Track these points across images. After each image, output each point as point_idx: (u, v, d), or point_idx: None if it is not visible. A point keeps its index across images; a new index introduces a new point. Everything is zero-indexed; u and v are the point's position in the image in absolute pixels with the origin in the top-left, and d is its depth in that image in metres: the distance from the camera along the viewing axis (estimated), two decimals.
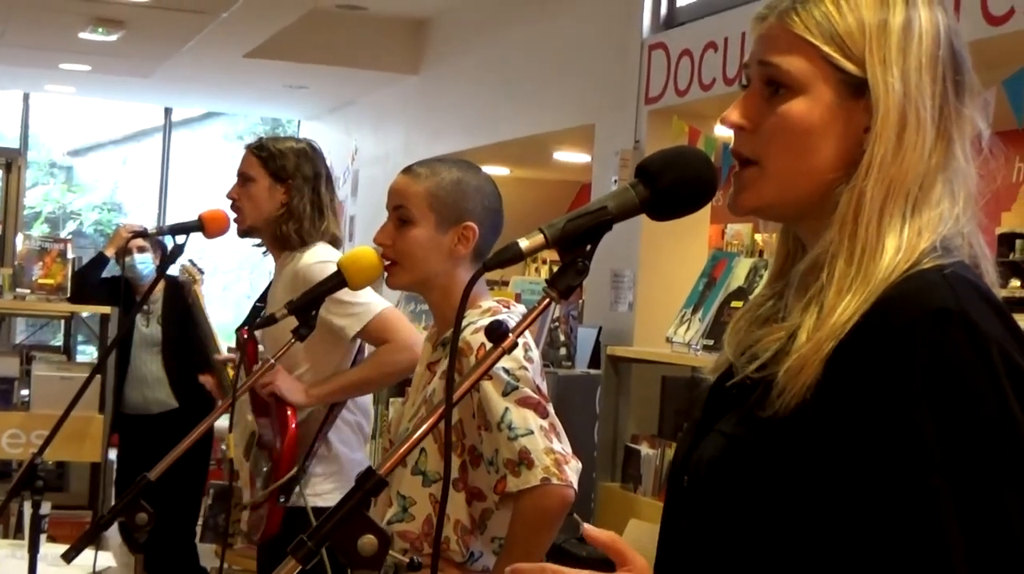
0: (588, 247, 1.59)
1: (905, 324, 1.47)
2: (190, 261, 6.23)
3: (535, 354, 2.94)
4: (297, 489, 4.01)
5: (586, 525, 1.56)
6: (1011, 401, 1.45)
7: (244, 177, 4.24)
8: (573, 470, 2.81)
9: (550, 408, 2.86)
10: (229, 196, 4.23)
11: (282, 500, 3.98)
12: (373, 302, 4.01)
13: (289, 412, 4.01)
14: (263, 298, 4.36)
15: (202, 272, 6.32)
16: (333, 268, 3.15)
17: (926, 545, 1.42)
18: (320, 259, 4.05)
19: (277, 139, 4.32)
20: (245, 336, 4.20)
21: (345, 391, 4.11)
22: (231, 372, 4.37)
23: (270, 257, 4.36)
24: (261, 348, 4.26)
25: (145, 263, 7.13)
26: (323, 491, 4.04)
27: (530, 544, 2.86)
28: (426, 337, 3.19)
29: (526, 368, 2.85)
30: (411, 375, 3.24)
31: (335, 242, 4.26)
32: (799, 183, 1.61)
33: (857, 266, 1.54)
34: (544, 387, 2.91)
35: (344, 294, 3.90)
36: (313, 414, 4.11)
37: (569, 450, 2.86)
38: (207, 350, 7.47)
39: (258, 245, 4.35)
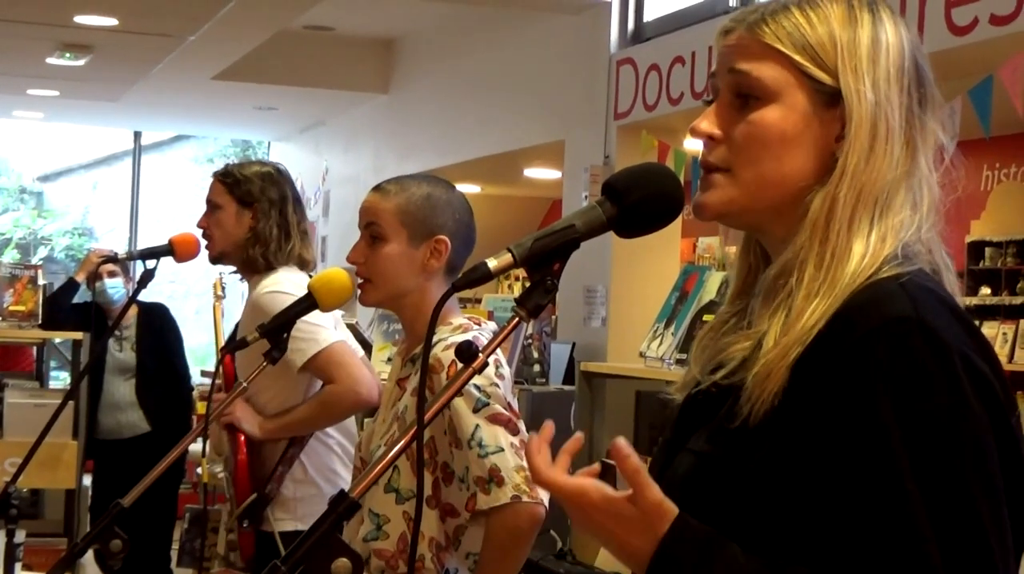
0: (556, 266, 1.59)
1: (864, 334, 1.49)
2: (220, 275, 6.15)
3: (506, 371, 2.94)
4: (265, 514, 3.99)
5: (621, 439, 1.50)
6: (973, 403, 1.47)
7: (212, 205, 4.22)
8: None
9: (521, 425, 2.86)
10: (199, 226, 4.20)
11: (245, 525, 3.96)
12: (322, 336, 3.95)
13: (241, 439, 4.00)
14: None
15: (224, 287, 6.25)
16: (284, 298, 3.10)
17: (905, 550, 1.43)
18: (271, 289, 4.00)
19: (243, 165, 4.30)
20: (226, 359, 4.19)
21: (291, 428, 4.05)
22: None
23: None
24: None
25: (116, 288, 7.11)
26: (303, 515, 4.01)
27: (503, 561, 2.86)
28: (396, 351, 3.19)
29: (497, 385, 2.85)
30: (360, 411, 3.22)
31: (304, 264, 4.23)
32: (770, 191, 1.62)
33: (826, 271, 1.56)
34: (515, 404, 2.91)
35: (297, 326, 3.86)
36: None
37: None
38: (185, 376, 7.45)
39: (235, 272, 4.33)
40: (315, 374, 4.02)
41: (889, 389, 1.46)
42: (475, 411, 2.82)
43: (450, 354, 2.81)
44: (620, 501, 1.51)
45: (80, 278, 7.09)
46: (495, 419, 2.82)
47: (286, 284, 4.00)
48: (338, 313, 3.96)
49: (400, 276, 3.01)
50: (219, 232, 4.18)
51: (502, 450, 2.79)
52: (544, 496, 2.81)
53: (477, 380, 2.78)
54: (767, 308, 1.60)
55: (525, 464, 2.80)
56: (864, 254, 1.56)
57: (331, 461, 4.14)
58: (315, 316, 3.78)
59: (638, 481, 1.49)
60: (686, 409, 1.72)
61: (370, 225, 3.03)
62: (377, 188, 3.08)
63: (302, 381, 4.06)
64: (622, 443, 1.49)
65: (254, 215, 4.17)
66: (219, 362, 3.80)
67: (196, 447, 3.20)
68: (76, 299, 7.15)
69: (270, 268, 4.15)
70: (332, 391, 3.97)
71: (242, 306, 4.32)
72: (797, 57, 1.61)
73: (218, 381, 4.42)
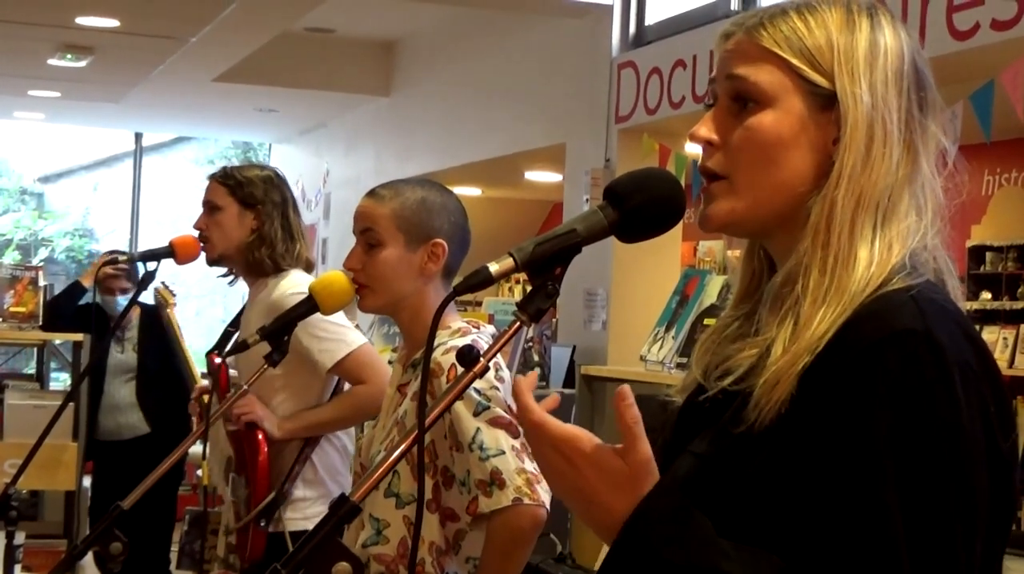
0: (558, 270, 1.59)
1: (871, 344, 1.49)
2: (163, 283, 6.21)
3: (506, 374, 2.94)
4: (278, 513, 3.99)
5: (625, 386, 1.51)
6: (968, 424, 1.47)
7: (211, 206, 4.20)
8: (545, 489, 2.81)
9: (521, 428, 2.86)
10: (197, 227, 4.19)
11: (263, 524, 3.96)
12: (350, 338, 3.99)
13: (260, 437, 3.99)
14: (235, 323, 4.34)
15: (174, 295, 6.30)
16: None
17: (877, 560, 1.43)
18: (297, 290, 4.02)
19: (242, 168, 4.29)
20: (216, 361, 4.18)
21: (317, 428, 4.07)
22: (205, 398, 4.35)
23: (242, 282, 4.34)
24: (234, 373, 4.24)
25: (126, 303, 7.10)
26: (312, 514, 4.02)
27: (504, 564, 2.85)
28: (396, 358, 3.19)
29: (497, 388, 2.86)
30: None
31: (309, 267, 4.25)
32: (770, 197, 1.62)
33: (831, 276, 1.55)
34: (515, 407, 2.90)
35: (323, 327, 3.90)
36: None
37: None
38: (186, 378, 7.44)
39: (224, 275, 4.32)
40: (343, 375, 4.06)
41: (892, 399, 1.46)
42: (476, 414, 2.82)
43: (450, 358, 2.81)
44: (610, 452, 1.52)
45: (87, 283, 7.09)
46: (496, 422, 2.82)
47: (306, 286, 4.01)
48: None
49: (398, 281, 3.00)
50: (218, 233, 4.17)
51: (503, 453, 2.79)
52: (545, 498, 2.81)
53: (477, 384, 2.78)
54: (774, 316, 1.60)
55: (527, 466, 2.80)
56: (871, 261, 1.56)
57: (337, 461, 4.16)
58: (338, 317, 3.82)
59: (635, 432, 1.51)
60: (686, 413, 1.72)
61: (366, 231, 3.03)
62: (371, 193, 3.07)
63: (320, 382, 4.08)
64: (626, 391, 1.49)
65: (257, 217, 4.17)
66: (217, 368, 3.80)
67: (196, 449, 3.20)
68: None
69: (279, 270, 4.15)
70: (364, 392, 3.99)
71: (242, 306, 4.31)
72: (794, 61, 1.61)
73: (207, 383, 4.42)
